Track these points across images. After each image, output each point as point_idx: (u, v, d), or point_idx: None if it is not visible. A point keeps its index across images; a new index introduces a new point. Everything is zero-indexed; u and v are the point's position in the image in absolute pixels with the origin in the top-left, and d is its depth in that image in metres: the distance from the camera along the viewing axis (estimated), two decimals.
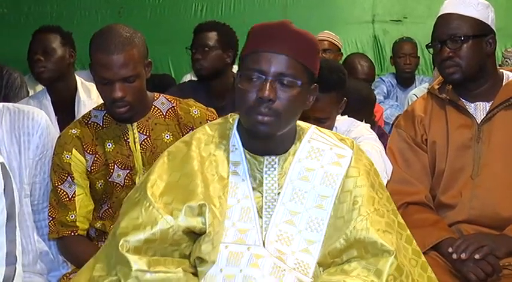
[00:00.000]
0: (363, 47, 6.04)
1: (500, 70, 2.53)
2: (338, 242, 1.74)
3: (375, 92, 4.62)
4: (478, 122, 2.41)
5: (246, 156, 1.83)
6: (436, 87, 2.53)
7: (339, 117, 2.63)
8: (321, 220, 1.78)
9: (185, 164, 1.80)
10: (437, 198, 2.45)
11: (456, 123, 2.45)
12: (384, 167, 2.43)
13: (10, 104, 2.35)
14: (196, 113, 2.39)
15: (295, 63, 1.73)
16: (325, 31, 4.80)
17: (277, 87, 1.72)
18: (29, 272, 2.31)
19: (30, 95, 3.98)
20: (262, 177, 1.82)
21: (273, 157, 1.83)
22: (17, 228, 1.68)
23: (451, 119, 2.46)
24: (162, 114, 2.37)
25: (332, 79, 2.43)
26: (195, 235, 1.74)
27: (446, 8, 2.44)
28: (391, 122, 4.31)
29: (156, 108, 2.37)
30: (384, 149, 2.55)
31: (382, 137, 2.90)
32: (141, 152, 2.34)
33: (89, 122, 2.37)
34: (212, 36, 3.63)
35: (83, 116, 2.41)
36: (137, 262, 1.68)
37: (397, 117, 3.60)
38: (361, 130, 2.64)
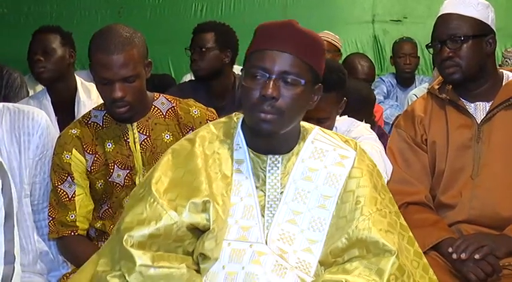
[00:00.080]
0: (363, 47, 6.04)
1: (500, 70, 2.53)
2: (340, 241, 1.75)
3: (375, 92, 4.63)
4: (478, 122, 2.41)
5: (249, 155, 1.84)
6: (436, 87, 2.53)
7: (338, 117, 2.63)
8: (323, 220, 1.79)
9: (189, 162, 1.81)
10: (437, 198, 2.45)
11: (456, 123, 2.45)
12: (384, 167, 2.43)
13: (10, 104, 2.35)
14: (196, 113, 2.39)
15: (299, 62, 1.74)
16: (324, 31, 4.80)
17: (280, 85, 1.73)
18: (29, 272, 2.31)
19: (30, 95, 3.98)
20: (265, 176, 1.83)
21: (277, 156, 1.84)
22: (15, 227, 1.68)
23: (451, 119, 2.46)
24: (162, 114, 2.37)
25: (332, 79, 2.43)
26: (198, 232, 1.75)
27: (446, 8, 2.44)
28: (391, 122, 4.31)
29: (156, 108, 2.37)
30: (384, 149, 2.55)
31: (382, 137, 2.90)
32: (141, 152, 2.34)
33: (89, 122, 2.37)
34: (209, 37, 3.64)
35: (83, 116, 2.41)
36: (141, 257, 1.68)
37: (397, 117, 3.60)
38: (361, 130, 2.64)
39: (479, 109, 2.44)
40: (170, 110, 2.38)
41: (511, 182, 2.35)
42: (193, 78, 3.85)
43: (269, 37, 1.77)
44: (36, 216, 2.39)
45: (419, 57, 5.45)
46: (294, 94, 1.74)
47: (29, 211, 2.34)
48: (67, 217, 2.32)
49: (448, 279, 2.20)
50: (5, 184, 1.67)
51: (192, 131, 2.31)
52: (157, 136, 2.35)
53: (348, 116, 2.76)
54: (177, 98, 2.44)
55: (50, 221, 2.34)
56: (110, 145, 2.34)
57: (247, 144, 1.85)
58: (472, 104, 2.45)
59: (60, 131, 2.44)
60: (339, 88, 2.50)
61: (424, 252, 1.91)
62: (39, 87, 4.13)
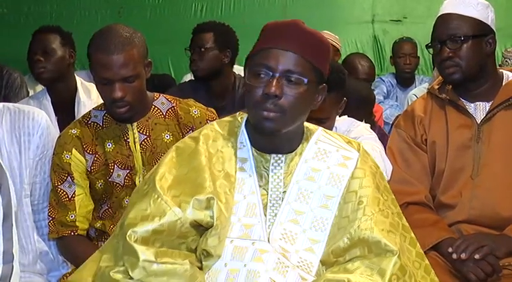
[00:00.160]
0: (363, 47, 6.04)
1: (500, 70, 2.53)
2: (342, 240, 1.75)
3: (375, 92, 4.63)
4: (478, 122, 2.41)
5: (253, 154, 1.86)
6: (436, 87, 2.53)
7: (338, 117, 2.63)
8: (326, 220, 1.80)
9: (193, 159, 1.82)
10: (437, 198, 2.45)
11: (456, 123, 2.45)
12: (384, 167, 2.43)
13: (10, 104, 2.35)
14: (196, 113, 2.39)
15: (303, 61, 1.75)
16: (323, 31, 4.80)
17: (284, 84, 1.74)
18: (29, 272, 2.31)
19: (30, 95, 3.98)
20: (268, 175, 1.84)
21: (280, 156, 1.85)
22: (14, 226, 1.69)
23: (450, 119, 2.46)
24: (162, 114, 2.37)
25: (332, 79, 2.43)
26: (202, 228, 1.76)
27: (446, 8, 2.44)
28: (391, 122, 4.31)
29: (156, 108, 2.37)
30: (383, 149, 2.55)
31: (382, 137, 2.90)
32: (141, 152, 2.34)
33: (89, 122, 2.37)
34: (208, 37, 3.65)
35: (83, 116, 2.41)
36: (145, 252, 1.69)
37: (397, 117, 3.60)
38: (361, 130, 2.65)
39: (479, 109, 2.44)
40: (170, 110, 2.38)
41: (511, 182, 2.35)
42: (193, 78, 3.86)
43: (274, 36, 1.78)
44: (36, 216, 2.39)
45: (419, 57, 5.45)
46: (297, 93, 1.75)
47: (29, 211, 2.34)
48: (67, 217, 2.32)
49: (448, 279, 2.20)
50: (3, 184, 1.67)
51: (192, 131, 2.31)
52: (157, 136, 2.35)
53: (348, 116, 2.76)
54: (177, 98, 2.44)
55: (49, 221, 2.34)
56: (110, 145, 2.34)
57: (251, 143, 1.86)
58: (472, 104, 2.45)
59: (60, 131, 2.44)
60: (338, 88, 2.50)
61: (424, 252, 1.91)
62: (39, 87, 4.13)
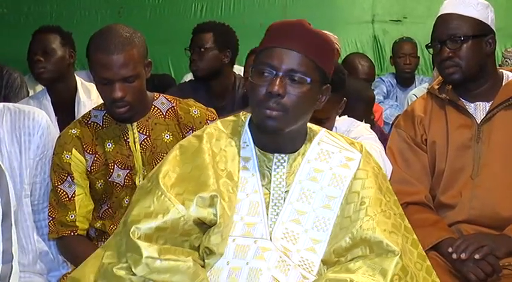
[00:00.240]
0: (363, 47, 6.04)
1: (500, 70, 2.53)
2: (344, 240, 1.76)
3: (375, 92, 4.62)
4: (478, 122, 2.42)
5: (256, 153, 1.86)
6: (436, 87, 2.53)
7: (338, 117, 2.63)
8: (328, 220, 1.81)
9: (196, 157, 1.83)
10: (437, 198, 2.45)
11: (456, 123, 2.45)
12: (384, 167, 2.43)
13: (11, 104, 2.35)
14: (196, 113, 2.39)
15: (307, 60, 1.76)
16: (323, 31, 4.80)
17: (287, 83, 1.75)
18: (29, 272, 2.31)
19: (30, 95, 3.98)
20: (270, 175, 1.85)
21: (283, 155, 1.86)
22: (13, 226, 1.69)
23: (450, 119, 2.46)
24: (162, 114, 2.37)
25: (332, 79, 2.43)
26: (205, 226, 1.76)
27: (446, 8, 2.44)
28: (391, 122, 4.31)
29: (156, 108, 2.37)
30: (383, 149, 2.55)
31: (382, 137, 2.90)
32: (141, 152, 2.34)
33: (89, 122, 2.37)
34: (208, 37, 3.65)
35: (83, 116, 2.41)
36: (148, 249, 1.69)
37: (397, 117, 3.60)
38: (361, 130, 2.65)
39: (479, 109, 2.44)
40: (170, 110, 2.38)
41: (511, 182, 2.35)
42: (193, 78, 3.86)
43: (279, 35, 1.79)
44: (36, 216, 2.39)
45: (419, 57, 5.45)
46: (300, 92, 1.76)
47: (29, 211, 2.34)
48: (67, 217, 2.32)
49: (448, 279, 2.20)
50: (2, 184, 1.68)
51: (192, 131, 2.31)
52: (157, 136, 2.35)
53: (348, 116, 2.76)
54: (177, 98, 2.44)
55: (49, 221, 2.34)
56: (110, 145, 2.34)
57: (254, 143, 1.87)
58: (472, 104, 2.45)
59: (60, 131, 2.44)
60: (338, 88, 2.49)
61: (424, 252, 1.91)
62: (39, 87, 4.13)
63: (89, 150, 2.33)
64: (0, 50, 5.53)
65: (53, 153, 2.33)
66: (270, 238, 1.79)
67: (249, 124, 1.89)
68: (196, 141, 1.87)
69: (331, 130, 2.34)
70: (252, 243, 1.77)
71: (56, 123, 3.16)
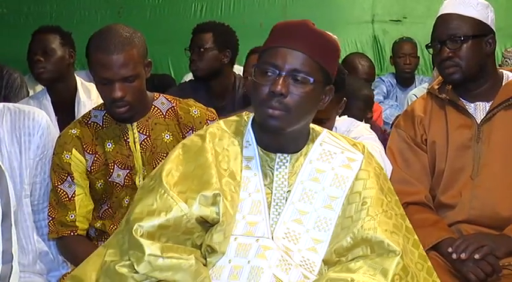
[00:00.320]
0: (363, 47, 6.04)
1: (500, 70, 2.53)
2: (345, 240, 1.76)
3: (375, 92, 4.62)
4: (478, 122, 2.42)
5: (259, 153, 1.87)
6: (436, 87, 2.53)
7: (338, 117, 2.63)
8: (329, 220, 1.81)
9: (199, 156, 1.83)
10: (437, 198, 2.45)
11: (456, 123, 2.45)
12: (384, 167, 2.43)
13: (11, 104, 2.35)
14: (196, 113, 2.39)
15: (310, 61, 1.77)
16: None
17: (290, 82, 1.76)
18: (29, 272, 2.31)
19: (30, 95, 3.98)
20: (272, 174, 1.86)
21: (285, 155, 1.86)
22: (13, 226, 1.69)
23: (450, 119, 2.46)
24: (162, 114, 2.37)
25: None
26: (207, 225, 1.77)
27: (446, 8, 2.44)
28: (391, 122, 4.31)
29: (156, 108, 2.37)
30: (383, 149, 2.55)
31: (382, 137, 2.90)
32: (141, 152, 2.34)
33: (89, 122, 2.37)
34: (207, 37, 3.66)
35: (83, 116, 2.41)
36: (150, 247, 1.69)
37: (397, 117, 3.60)
38: (361, 130, 2.65)
39: (479, 109, 2.44)
40: (170, 110, 2.38)
41: (511, 182, 2.35)
42: (193, 78, 3.86)
43: (283, 35, 1.80)
44: (36, 216, 2.39)
45: (419, 57, 5.45)
46: (303, 92, 1.76)
47: (29, 211, 2.34)
48: (67, 217, 2.32)
49: (448, 279, 2.20)
50: (2, 184, 1.68)
51: (192, 131, 2.31)
52: (157, 136, 2.35)
53: (348, 116, 2.76)
54: (177, 98, 2.44)
55: (49, 221, 2.34)
56: (110, 145, 2.34)
57: (257, 142, 1.88)
58: (472, 104, 2.45)
59: (60, 131, 2.45)
60: (339, 88, 2.49)
61: None
62: (39, 87, 4.13)
63: (89, 150, 2.33)
64: (0, 50, 5.53)
65: (53, 153, 2.33)
66: (272, 237, 1.79)
67: (251, 124, 1.90)
68: (199, 141, 1.87)
69: (331, 130, 2.34)
70: (254, 242, 1.77)
71: (56, 123, 3.17)
